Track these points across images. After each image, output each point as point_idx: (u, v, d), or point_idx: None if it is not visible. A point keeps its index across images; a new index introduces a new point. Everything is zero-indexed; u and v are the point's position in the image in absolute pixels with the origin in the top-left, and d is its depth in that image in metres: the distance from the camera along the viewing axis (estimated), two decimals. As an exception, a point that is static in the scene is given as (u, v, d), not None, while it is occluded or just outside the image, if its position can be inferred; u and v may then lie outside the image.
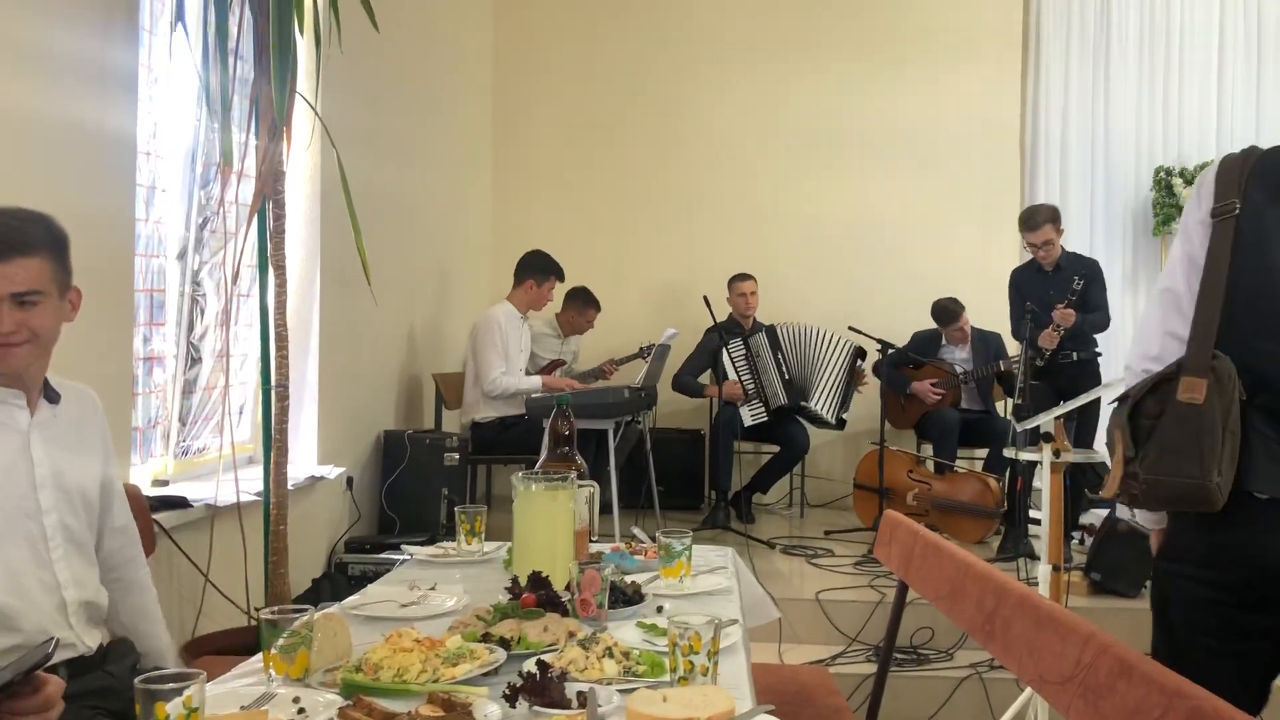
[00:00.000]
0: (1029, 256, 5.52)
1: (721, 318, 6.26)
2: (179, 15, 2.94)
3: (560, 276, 5.54)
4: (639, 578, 2.12)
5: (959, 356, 6.14)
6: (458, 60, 6.40)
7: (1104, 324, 5.23)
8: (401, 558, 2.58)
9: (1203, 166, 6.82)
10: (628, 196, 7.19)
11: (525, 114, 7.20)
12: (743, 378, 6.03)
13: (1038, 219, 5.19)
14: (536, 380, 5.29)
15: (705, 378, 6.14)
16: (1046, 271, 5.25)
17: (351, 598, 2.09)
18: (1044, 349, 5.03)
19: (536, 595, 1.86)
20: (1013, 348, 5.58)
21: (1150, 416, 1.75)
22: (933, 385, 5.93)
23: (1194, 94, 7.13)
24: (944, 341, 6.16)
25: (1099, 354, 5.19)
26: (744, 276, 6.37)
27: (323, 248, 4.17)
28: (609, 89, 7.20)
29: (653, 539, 2.35)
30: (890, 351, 5.85)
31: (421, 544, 2.83)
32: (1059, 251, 5.26)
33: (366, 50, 4.23)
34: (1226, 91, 7.13)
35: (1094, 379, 5.06)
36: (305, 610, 1.64)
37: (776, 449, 6.21)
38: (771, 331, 6.16)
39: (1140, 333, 1.88)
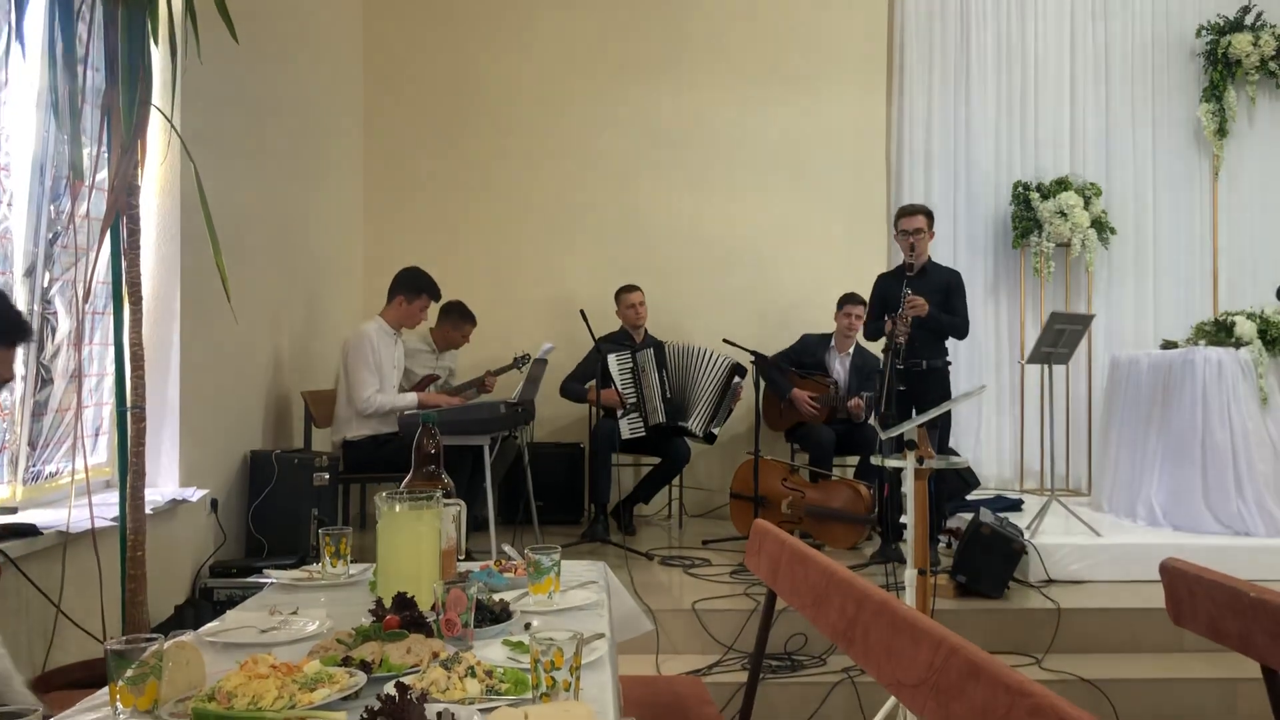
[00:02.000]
0: (895, 266, 5.63)
1: (608, 330, 6.31)
2: (19, 26, 2.81)
3: (434, 295, 5.44)
4: (508, 595, 2.11)
5: (838, 370, 6.32)
6: (326, 72, 6.29)
7: (962, 330, 5.30)
8: (266, 581, 2.52)
9: (1059, 182, 7.14)
10: (504, 209, 7.17)
11: (396, 126, 7.12)
12: (624, 390, 6.07)
13: (915, 208, 5.27)
14: (411, 397, 5.22)
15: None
16: (910, 277, 5.17)
17: (209, 624, 2.03)
18: (898, 342, 5.02)
19: (401, 617, 1.83)
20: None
21: None
22: (811, 399, 6.09)
23: (1048, 114, 7.48)
24: (831, 344, 6.34)
25: (949, 363, 5.31)
26: (630, 288, 6.44)
27: (183, 264, 4.04)
28: (482, 101, 7.17)
29: (523, 556, 2.34)
30: (764, 359, 5.92)
31: (289, 567, 2.77)
32: (926, 250, 5.28)
33: (229, 61, 4.13)
34: (1079, 111, 7.50)
35: (942, 387, 5.18)
36: (155, 639, 1.58)
37: (657, 460, 6.26)
38: (660, 348, 6.21)
39: None
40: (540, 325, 6.95)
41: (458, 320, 6.02)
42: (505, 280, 7.11)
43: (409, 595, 1.88)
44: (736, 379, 6.19)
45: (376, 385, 5.08)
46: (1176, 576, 2.20)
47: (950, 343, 5.33)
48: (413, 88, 7.14)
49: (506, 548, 2.70)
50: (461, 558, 2.32)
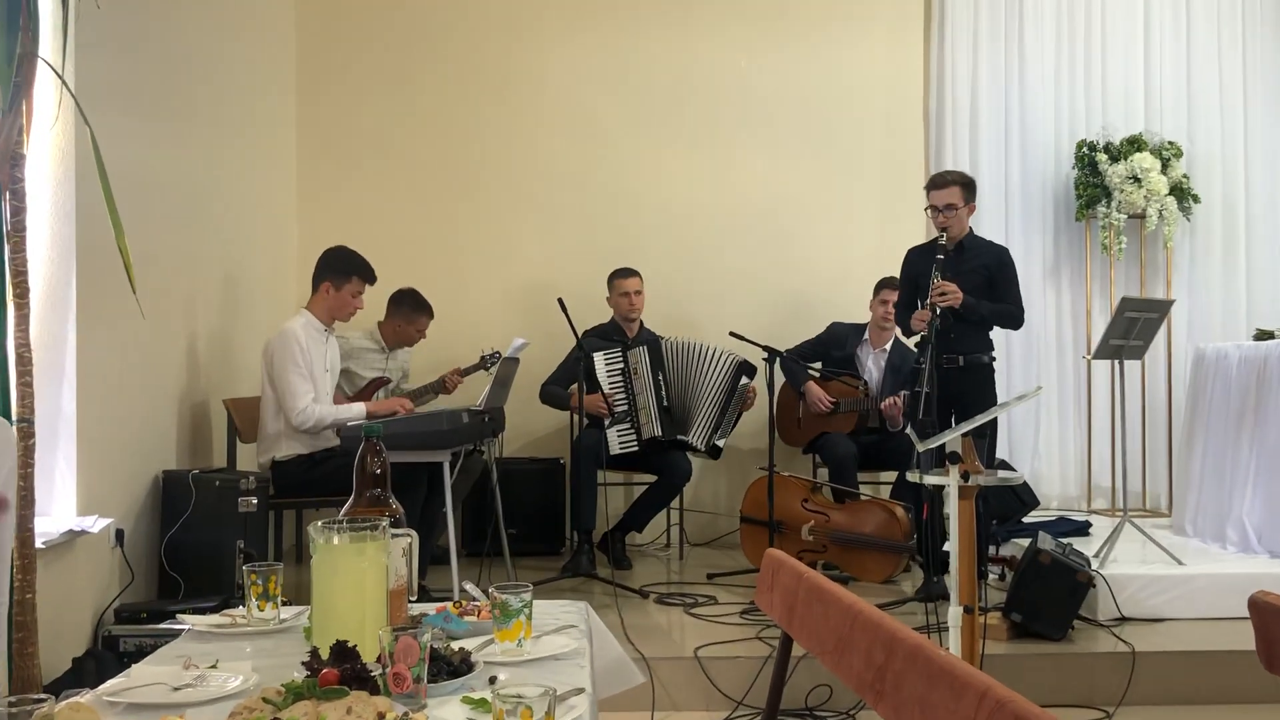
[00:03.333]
0: (930, 239, 5.58)
1: (595, 321, 6.35)
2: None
3: (366, 276, 5.37)
4: (468, 643, 2.12)
5: (870, 368, 6.34)
6: (253, 16, 6.28)
7: (1015, 320, 5.25)
8: (180, 628, 2.52)
9: (1132, 141, 7.14)
10: (467, 181, 7.16)
11: (337, 82, 7.11)
12: (613, 394, 6.07)
13: (947, 178, 5.23)
14: (359, 407, 5.20)
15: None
16: (943, 258, 5.08)
17: (111, 681, 2.03)
18: (924, 334, 4.93)
19: (340, 670, 1.83)
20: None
21: None
22: (832, 401, 6.13)
23: (1118, 58, 7.49)
24: (865, 337, 6.36)
25: (994, 358, 5.24)
26: (626, 273, 6.44)
27: (79, 248, 4.03)
28: (438, 51, 7.17)
29: (488, 595, 2.34)
30: (779, 356, 5.90)
31: (209, 611, 2.77)
32: (964, 226, 5.24)
33: (132, 4, 4.13)
34: (1154, 54, 7.51)
35: (985, 387, 5.14)
36: (46, 700, 1.59)
37: (652, 479, 6.27)
38: (655, 346, 6.21)
39: None
40: (512, 318, 6.95)
41: (410, 312, 6.02)
42: (469, 264, 7.11)
43: (350, 644, 1.88)
44: (744, 379, 6.20)
45: (312, 393, 5.06)
46: (1268, 613, 2.21)
47: (998, 334, 5.30)
48: (357, 35, 7.14)
49: (469, 586, 2.70)
50: (414, 599, 2.32)
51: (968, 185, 5.22)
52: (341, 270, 5.28)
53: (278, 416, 5.09)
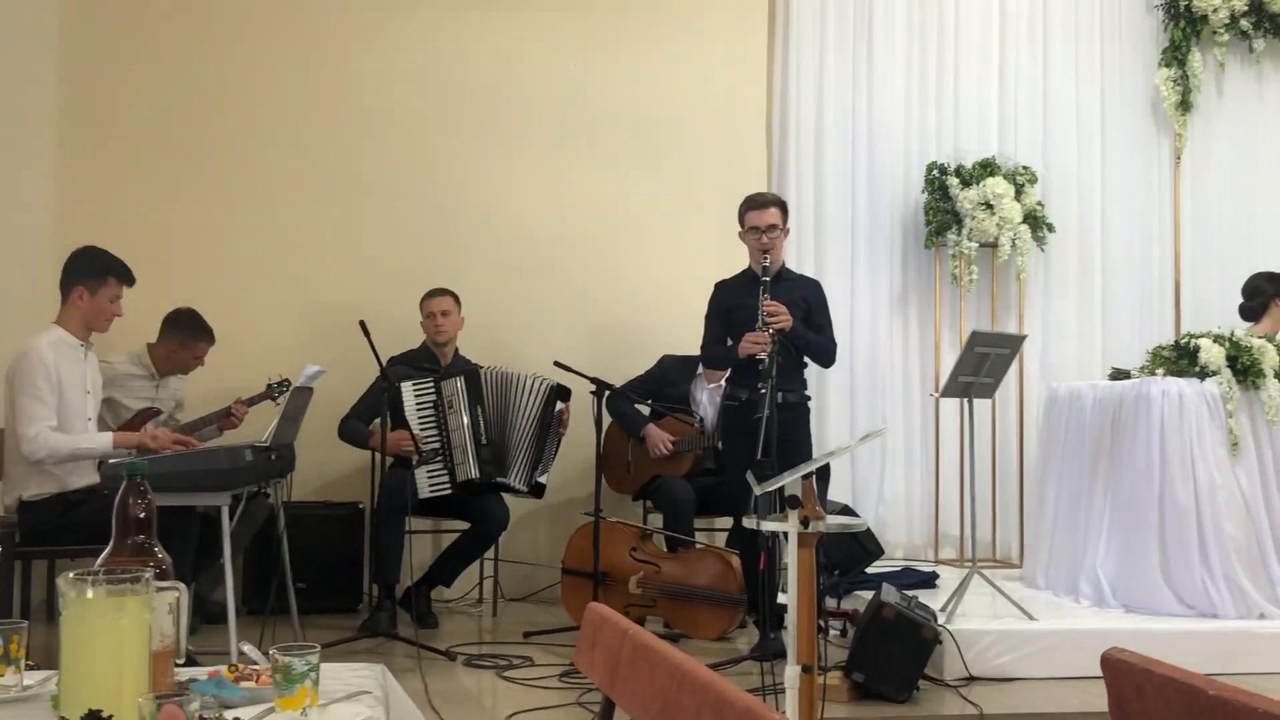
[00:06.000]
0: (738, 272, 5.68)
1: (405, 347, 6.35)
2: None
3: (124, 277, 5.18)
4: (244, 713, 2.07)
5: (704, 404, 6.41)
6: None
7: (831, 355, 5.51)
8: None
9: (985, 165, 7.40)
10: (257, 187, 7.02)
11: (106, 73, 6.90)
12: (423, 432, 6.00)
13: (767, 198, 5.49)
14: (104, 437, 5.02)
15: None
16: (764, 283, 5.26)
17: None
18: (758, 358, 5.10)
19: (92, 744, 1.78)
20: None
21: None
22: (671, 441, 6.18)
23: (972, 77, 7.80)
24: (699, 371, 6.45)
25: (809, 397, 5.49)
26: (436, 292, 6.45)
27: None
28: (224, 42, 7.02)
29: (269, 657, 2.29)
30: (609, 389, 5.93)
31: (-60, 677, 2.64)
32: (780, 253, 5.49)
33: None
34: (1009, 74, 7.84)
35: (803, 429, 5.38)
36: None
37: (464, 526, 6.23)
38: (473, 377, 6.17)
39: None
40: (309, 342, 6.81)
41: (188, 336, 5.87)
42: (260, 281, 6.96)
43: (105, 714, 1.83)
44: (560, 405, 6.20)
45: (49, 420, 4.86)
46: (1121, 671, 2.29)
47: (841, 368, 5.47)
48: (129, 20, 6.94)
49: (246, 647, 2.64)
50: (181, 661, 2.25)
51: (785, 208, 5.45)
52: (96, 272, 5.09)
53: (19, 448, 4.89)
